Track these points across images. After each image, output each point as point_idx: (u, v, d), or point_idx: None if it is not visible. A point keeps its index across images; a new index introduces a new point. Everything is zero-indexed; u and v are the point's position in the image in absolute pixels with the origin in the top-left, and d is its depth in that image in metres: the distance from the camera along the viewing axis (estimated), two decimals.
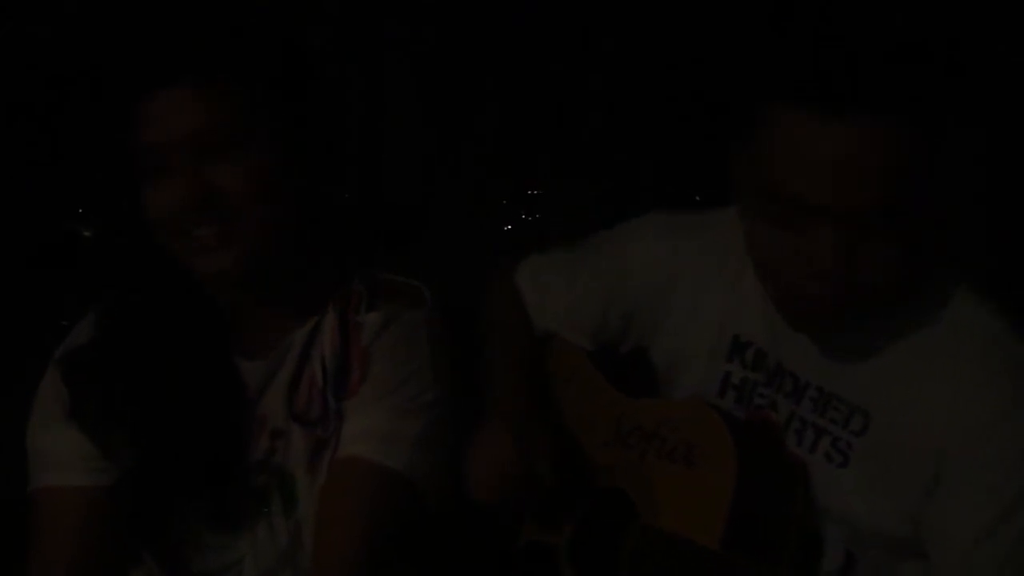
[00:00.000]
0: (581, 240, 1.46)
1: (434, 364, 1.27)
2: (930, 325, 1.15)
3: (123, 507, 1.24)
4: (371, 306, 1.28)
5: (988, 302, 1.16)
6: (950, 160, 1.02)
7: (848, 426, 1.19)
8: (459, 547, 1.40)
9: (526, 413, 1.33)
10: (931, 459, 1.12)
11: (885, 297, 1.11)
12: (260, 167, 1.18)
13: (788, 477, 1.20)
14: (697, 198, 2.80)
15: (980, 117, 1.04)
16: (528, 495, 1.32)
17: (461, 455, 1.30)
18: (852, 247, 1.04)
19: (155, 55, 1.18)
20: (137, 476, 1.23)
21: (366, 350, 1.25)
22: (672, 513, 1.23)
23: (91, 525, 1.23)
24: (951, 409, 1.11)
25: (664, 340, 1.36)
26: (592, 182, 3.41)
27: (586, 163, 3.43)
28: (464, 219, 3.71)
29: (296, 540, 1.26)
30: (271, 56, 1.22)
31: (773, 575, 1.14)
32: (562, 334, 1.44)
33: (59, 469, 1.25)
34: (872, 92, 0.97)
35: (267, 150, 1.19)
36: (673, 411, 1.29)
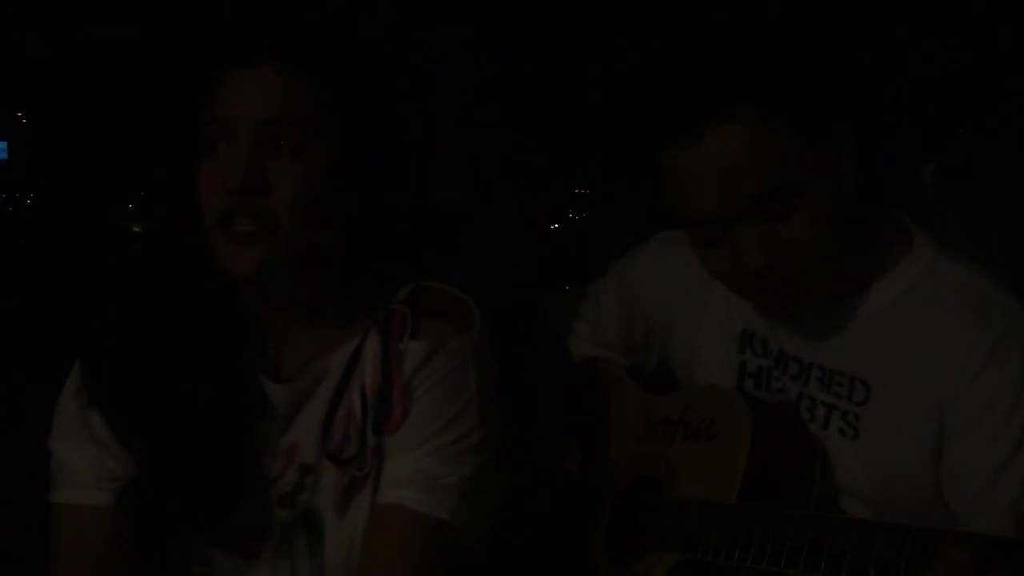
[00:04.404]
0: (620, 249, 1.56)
1: (481, 400, 1.17)
2: (911, 287, 1.22)
3: (126, 521, 1.19)
4: (415, 331, 1.18)
5: (960, 254, 1.23)
6: (800, 149, 1.14)
7: (852, 398, 1.24)
8: None
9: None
10: (933, 414, 1.17)
11: (829, 263, 1.18)
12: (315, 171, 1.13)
13: (806, 454, 1.25)
14: None
15: (837, 116, 1.20)
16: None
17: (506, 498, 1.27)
18: (769, 238, 1.14)
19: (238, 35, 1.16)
20: (139, 488, 1.18)
21: (408, 383, 1.16)
22: (694, 484, 1.27)
23: (108, 545, 1.19)
24: (944, 361, 1.16)
25: (681, 345, 1.45)
26: (639, 181, 3.38)
27: (632, 162, 3.40)
28: (513, 218, 3.71)
29: None
30: (345, 53, 1.18)
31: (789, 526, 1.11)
32: (596, 354, 1.54)
33: (77, 486, 1.21)
34: (697, 123, 1.14)
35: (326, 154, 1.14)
36: (695, 396, 1.37)
